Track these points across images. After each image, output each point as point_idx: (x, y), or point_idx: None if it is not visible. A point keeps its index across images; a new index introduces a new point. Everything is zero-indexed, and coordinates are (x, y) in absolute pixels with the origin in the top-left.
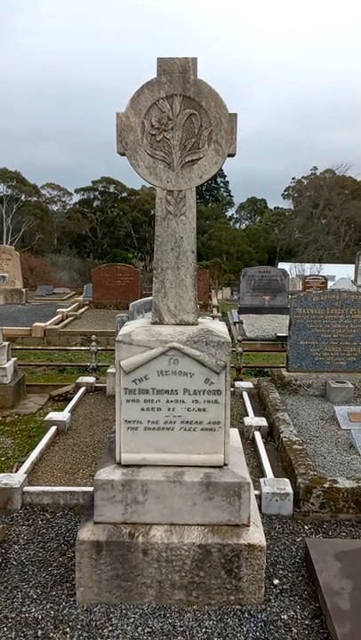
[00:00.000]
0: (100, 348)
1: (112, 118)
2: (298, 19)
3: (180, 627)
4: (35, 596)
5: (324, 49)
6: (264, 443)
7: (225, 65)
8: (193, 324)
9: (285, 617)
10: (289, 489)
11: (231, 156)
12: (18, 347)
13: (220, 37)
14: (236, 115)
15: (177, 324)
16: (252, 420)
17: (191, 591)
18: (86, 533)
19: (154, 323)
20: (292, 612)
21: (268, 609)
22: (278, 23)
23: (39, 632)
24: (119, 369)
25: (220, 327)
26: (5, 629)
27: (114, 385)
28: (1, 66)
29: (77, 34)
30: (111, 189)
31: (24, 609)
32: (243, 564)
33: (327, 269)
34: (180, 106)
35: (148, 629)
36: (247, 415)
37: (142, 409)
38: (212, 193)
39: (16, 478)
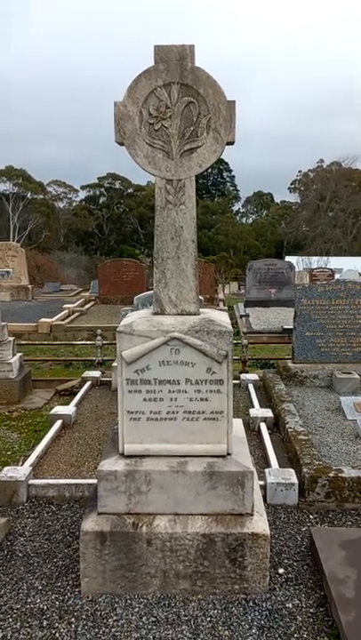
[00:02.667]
0: (105, 342)
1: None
2: (297, 13)
3: (185, 616)
4: (40, 587)
5: (324, 43)
6: (270, 434)
7: (225, 62)
8: (194, 314)
9: (290, 605)
10: (294, 479)
11: (230, 144)
12: (24, 342)
13: (219, 33)
14: (234, 102)
15: (178, 314)
16: (257, 411)
17: (196, 580)
18: (90, 524)
19: (155, 313)
20: (297, 601)
21: (273, 597)
22: (276, 17)
23: (44, 622)
24: (121, 360)
25: (221, 317)
26: (11, 620)
27: None
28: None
29: (76, 28)
30: (117, 185)
31: (29, 600)
32: (247, 552)
33: (335, 262)
34: (177, 94)
35: (153, 619)
36: (253, 407)
37: (144, 399)
38: (219, 187)
39: (21, 471)
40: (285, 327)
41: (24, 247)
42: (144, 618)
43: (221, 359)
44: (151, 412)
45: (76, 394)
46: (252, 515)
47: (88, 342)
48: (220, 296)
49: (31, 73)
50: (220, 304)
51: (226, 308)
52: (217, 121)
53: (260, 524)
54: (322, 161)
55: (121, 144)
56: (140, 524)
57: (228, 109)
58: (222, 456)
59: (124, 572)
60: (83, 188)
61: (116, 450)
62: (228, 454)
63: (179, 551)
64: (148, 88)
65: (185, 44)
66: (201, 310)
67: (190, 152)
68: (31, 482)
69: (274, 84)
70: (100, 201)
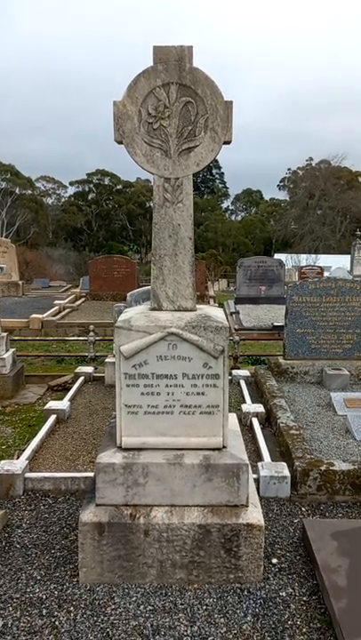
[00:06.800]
0: (97, 338)
1: (106, 110)
2: (284, 11)
3: (182, 604)
4: (38, 578)
5: (315, 42)
6: (262, 429)
7: (216, 57)
8: (191, 310)
9: (284, 594)
10: (286, 472)
11: (227, 143)
12: (16, 338)
13: (209, 29)
14: (231, 102)
15: (175, 310)
16: (249, 406)
17: (192, 570)
18: (89, 515)
19: (153, 309)
20: (291, 590)
21: (267, 586)
22: (262, 15)
23: (44, 611)
24: (119, 354)
25: (217, 313)
26: (11, 609)
27: (112, 374)
28: None
29: (69, 22)
30: (106, 182)
31: (28, 589)
32: (242, 543)
33: (323, 260)
34: (176, 94)
35: (150, 607)
36: (245, 402)
37: (142, 393)
38: (208, 185)
39: (18, 465)
40: (276, 324)
41: (13, 243)
42: (142, 606)
43: (218, 354)
44: (149, 405)
45: (68, 389)
46: (246, 506)
47: (80, 338)
48: (211, 293)
49: (17, 65)
50: (211, 301)
51: (217, 304)
52: (214, 121)
53: (254, 514)
54: (311, 159)
55: (120, 142)
56: (137, 515)
57: (225, 109)
58: (218, 449)
59: (121, 562)
60: (71, 183)
61: (113, 443)
62: (224, 447)
63: (175, 542)
64: (147, 88)
65: (183, 45)
66: (197, 306)
67: (188, 151)
68: (27, 475)
69: (263, 82)
70: (89, 197)
